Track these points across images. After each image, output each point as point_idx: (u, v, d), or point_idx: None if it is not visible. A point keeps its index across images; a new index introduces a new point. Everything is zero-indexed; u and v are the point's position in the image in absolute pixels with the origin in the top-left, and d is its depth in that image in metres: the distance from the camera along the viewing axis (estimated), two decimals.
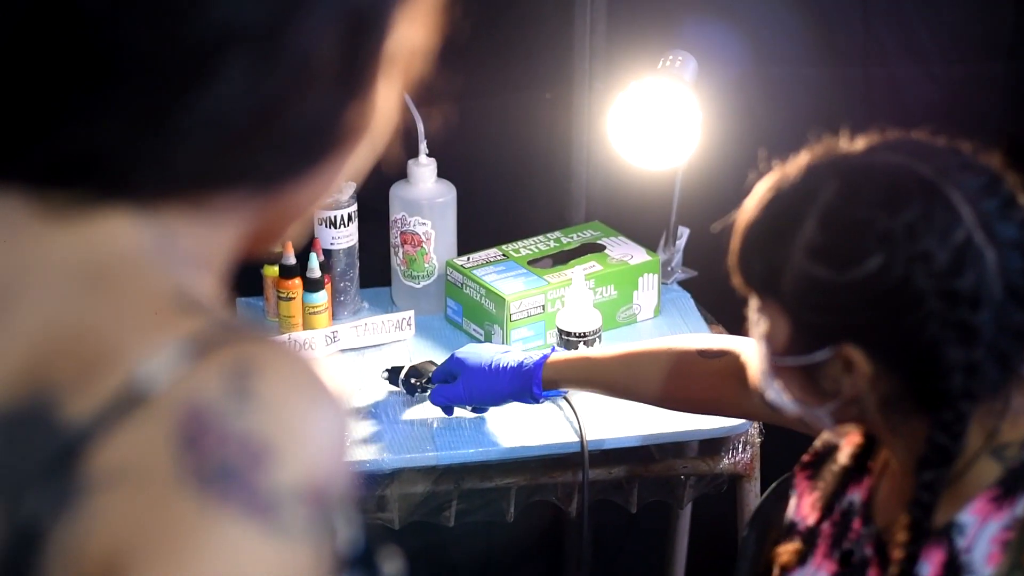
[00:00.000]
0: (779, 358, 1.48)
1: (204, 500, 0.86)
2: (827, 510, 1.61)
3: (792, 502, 1.66)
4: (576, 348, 2.36)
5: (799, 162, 1.46)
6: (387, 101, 1.01)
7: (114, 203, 0.95)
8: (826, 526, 1.61)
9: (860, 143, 1.47)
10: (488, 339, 2.50)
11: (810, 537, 1.62)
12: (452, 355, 2.23)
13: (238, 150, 0.95)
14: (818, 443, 1.66)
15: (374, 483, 2.28)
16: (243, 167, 0.96)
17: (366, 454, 2.25)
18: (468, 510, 2.35)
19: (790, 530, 1.65)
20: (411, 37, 1.01)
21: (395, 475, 2.28)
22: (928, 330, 1.40)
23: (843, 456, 1.62)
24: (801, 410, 1.50)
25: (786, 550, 1.63)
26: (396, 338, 2.52)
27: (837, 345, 1.43)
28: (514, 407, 2.35)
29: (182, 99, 0.93)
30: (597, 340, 2.38)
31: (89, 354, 0.91)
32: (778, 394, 1.51)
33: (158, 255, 0.95)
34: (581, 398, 2.38)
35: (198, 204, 0.96)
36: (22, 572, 0.90)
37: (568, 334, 2.38)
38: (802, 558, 1.62)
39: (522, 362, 2.13)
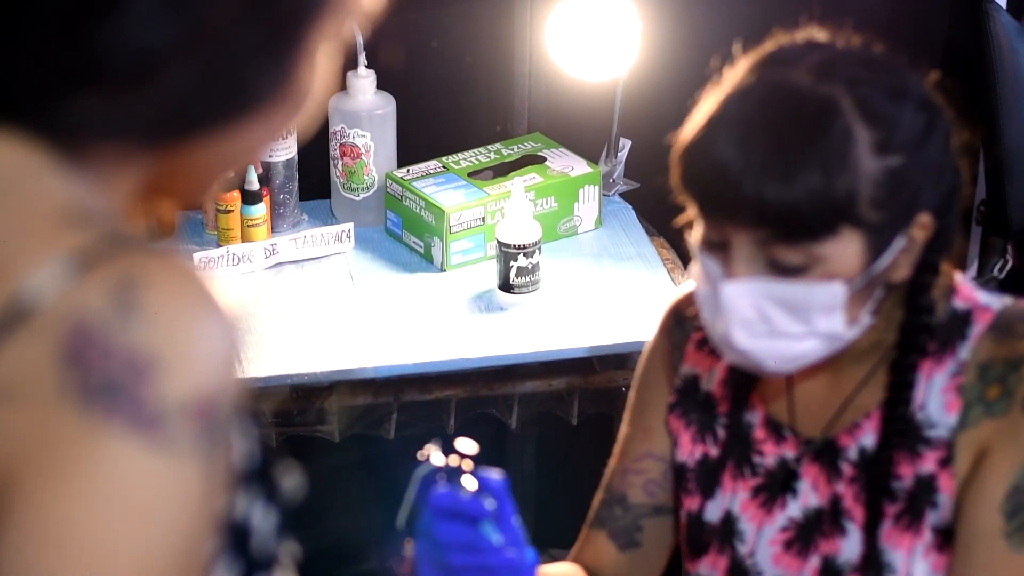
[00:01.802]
0: (854, 282, 1.43)
1: (89, 415, 0.85)
2: (711, 438, 1.62)
3: (675, 448, 1.65)
4: (516, 260, 2.35)
5: (783, 89, 1.42)
6: (311, 72, 0.98)
7: (9, 125, 0.93)
8: (715, 452, 1.61)
9: (787, 48, 1.46)
10: (428, 253, 2.49)
11: (706, 470, 1.62)
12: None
13: (123, 97, 0.92)
14: (677, 381, 1.65)
15: (312, 396, 2.28)
16: (126, 117, 0.93)
17: (304, 366, 2.24)
18: (408, 422, 2.35)
19: (682, 473, 1.64)
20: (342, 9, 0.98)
21: (333, 388, 2.27)
22: (952, 160, 1.47)
23: (711, 385, 1.63)
24: (856, 330, 1.47)
25: (688, 499, 1.63)
26: (336, 251, 2.51)
27: (911, 221, 1.44)
28: (453, 317, 2.35)
29: (81, 35, 0.90)
30: (536, 251, 2.37)
31: None
32: (846, 328, 1.45)
33: (48, 171, 0.92)
34: (520, 310, 2.38)
35: (84, 148, 0.93)
36: None
37: (508, 246, 2.37)
38: (708, 491, 1.62)
39: None
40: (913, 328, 1.50)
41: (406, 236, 2.54)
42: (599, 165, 2.62)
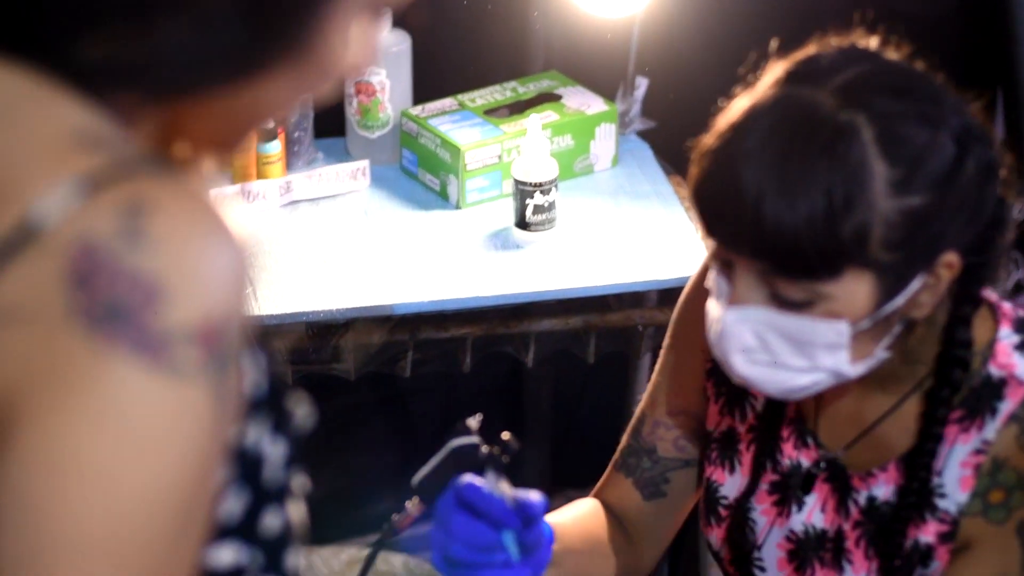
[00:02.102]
0: (861, 322, 1.37)
1: (94, 339, 0.84)
2: (740, 414, 1.59)
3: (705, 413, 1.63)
4: (532, 197, 2.34)
5: (802, 111, 1.33)
6: (340, 41, 0.96)
7: (23, 54, 0.92)
8: (742, 429, 1.58)
9: (818, 60, 1.37)
10: (444, 191, 2.48)
11: (730, 443, 1.59)
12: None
13: (126, 45, 0.92)
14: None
15: (328, 334, 2.27)
16: (130, 66, 0.92)
17: (319, 304, 2.24)
18: (424, 360, 2.35)
19: (707, 441, 1.61)
20: None
21: (349, 325, 2.27)
22: (992, 197, 1.38)
23: None
24: (863, 367, 1.41)
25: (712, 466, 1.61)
26: (351, 188, 2.50)
27: (934, 261, 1.36)
28: (469, 255, 2.34)
29: None
30: (553, 189, 2.36)
31: None
32: (852, 366, 1.39)
33: (62, 97, 0.91)
34: (536, 248, 2.37)
35: (97, 93, 0.92)
36: None
37: (524, 184, 2.36)
38: (730, 466, 1.59)
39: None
40: (949, 362, 1.43)
41: (421, 174, 2.53)
42: (615, 103, 2.60)
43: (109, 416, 0.83)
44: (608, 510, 1.67)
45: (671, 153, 2.61)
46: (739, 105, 1.37)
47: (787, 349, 1.38)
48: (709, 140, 1.37)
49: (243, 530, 0.96)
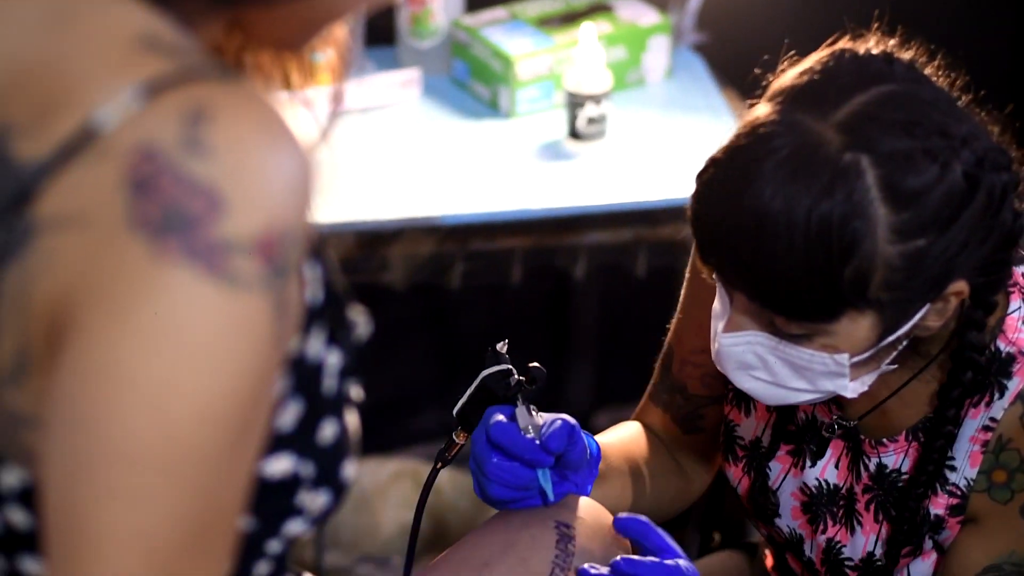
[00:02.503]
0: (861, 355, 1.33)
1: (152, 246, 0.82)
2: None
3: None
4: (584, 108, 2.32)
5: (803, 145, 1.26)
6: None
7: None
8: None
9: (825, 82, 1.30)
10: (494, 101, 2.46)
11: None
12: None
13: None
14: None
15: (377, 244, 2.26)
16: None
17: (368, 214, 2.22)
18: (472, 273, 2.34)
19: (724, 382, 1.57)
20: None
21: (398, 236, 2.25)
22: (1007, 220, 1.32)
23: None
24: (867, 384, 1.37)
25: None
26: (401, 98, 2.48)
27: (941, 292, 1.31)
28: (519, 166, 2.32)
29: None
30: (605, 101, 2.34)
31: (47, 93, 0.86)
32: (855, 389, 1.36)
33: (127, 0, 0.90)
34: (587, 160, 2.35)
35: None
36: None
37: (576, 94, 2.33)
38: (746, 409, 1.57)
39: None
40: (961, 364, 1.39)
41: (472, 84, 2.51)
42: (669, 15, 2.57)
43: (165, 326, 0.82)
44: (652, 433, 1.65)
45: (725, 67, 2.58)
46: (748, 120, 1.30)
47: (787, 372, 1.35)
48: (716, 155, 1.31)
49: (298, 441, 0.95)
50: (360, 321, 1.00)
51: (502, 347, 1.45)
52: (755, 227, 1.25)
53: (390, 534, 2.66)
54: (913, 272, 1.27)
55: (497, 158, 2.36)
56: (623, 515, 1.42)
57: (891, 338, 1.32)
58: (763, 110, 1.30)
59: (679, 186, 2.30)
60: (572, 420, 1.42)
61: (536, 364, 1.44)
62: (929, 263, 1.28)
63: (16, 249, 0.85)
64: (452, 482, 2.70)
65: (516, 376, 1.43)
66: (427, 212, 2.24)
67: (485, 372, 1.43)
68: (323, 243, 0.97)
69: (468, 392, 1.44)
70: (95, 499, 0.82)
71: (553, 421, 1.40)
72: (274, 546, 0.99)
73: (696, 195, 1.31)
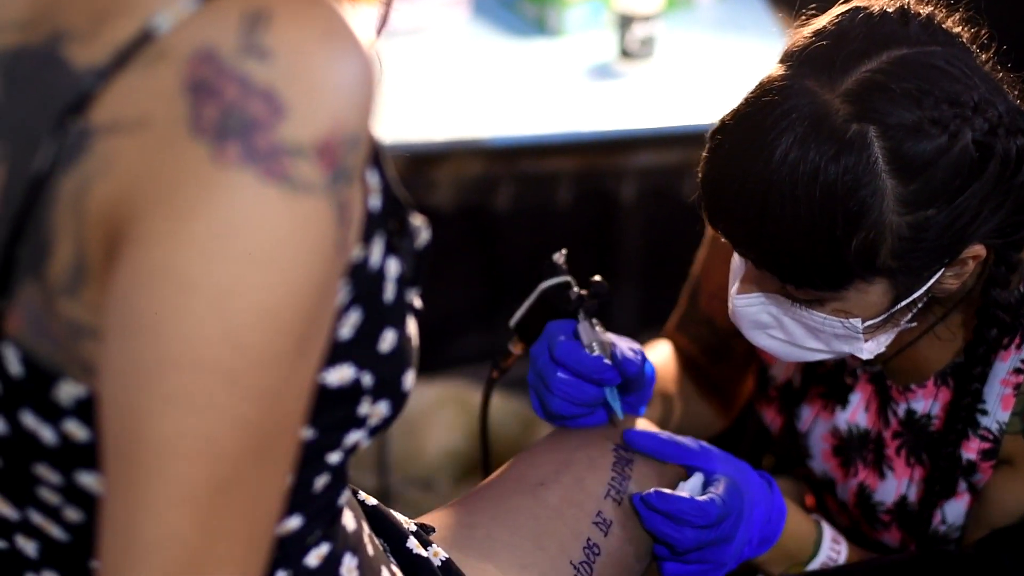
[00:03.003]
0: (874, 319, 1.32)
1: (211, 149, 0.81)
2: None
3: None
4: (633, 28, 2.30)
5: (809, 115, 1.23)
6: None
7: None
8: None
9: (835, 45, 1.26)
10: (543, 21, 2.44)
11: None
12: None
13: None
14: None
15: (424, 164, 2.25)
16: None
17: (416, 134, 2.21)
18: (519, 194, 2.32)
19: None
20: None
21: (446, 156, 2.24)
22: (1020, 178, 1.28)
23: None
24: (884, 344, 1.35)
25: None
26: (449, 19, 2.46)
27: (956, 256, 1.29)
28: (567, 86, 2.30)
29: None
30: (655, 21, 2.31)
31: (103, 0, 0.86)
32: (871, 350, 1.34)
33: None
34: (635, 81, 2.33)
35: None
36: (32, 221, 0.86)
37: (626, 14, 2.31)
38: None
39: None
40: (987, 321, 1.36)
41: (520, 4, 2.49)
42: None
43: (227, 230, 0.81)
44: (682, 358, 1.65)
45: None
46: (759, 83, 1.28)
47: (802, 332, 1.34)
48: (726, 119, 1.28)
49: (358, 350, 0.94)
50: (421, 229, 0.99)
51: (560, 258, 1.43)
52: (761, 196, 1.23)
53: (435, 457, 2.66)
54: (922, 241, 1.25)
55: (545, 78, 2.34)
56: (635, 429, 1.41)
57: (905, 302, 1.30)
58: (774, 72, 1.28)
59: (727, 109, 2.27)
60: (637, 345, 1.41)
61: (599, 278, 1.42)
62: (939, 232, 1.25)
63: (73, 153, 0.84)
64: (501, 407, 2.70)
65: (576, 289, 1.42)
66: (474, 133, 2.23)
67: (544, 284, 1.41)
68: (383, 151, 0.96)
69: (527, 304, 1.43)
70: (157, 406, 0.81)
71: (626, 347, 1.39)
72: (335, 458, 0.99)
73: (705, 160, 1.29)
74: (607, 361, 1.38)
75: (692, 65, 2.37)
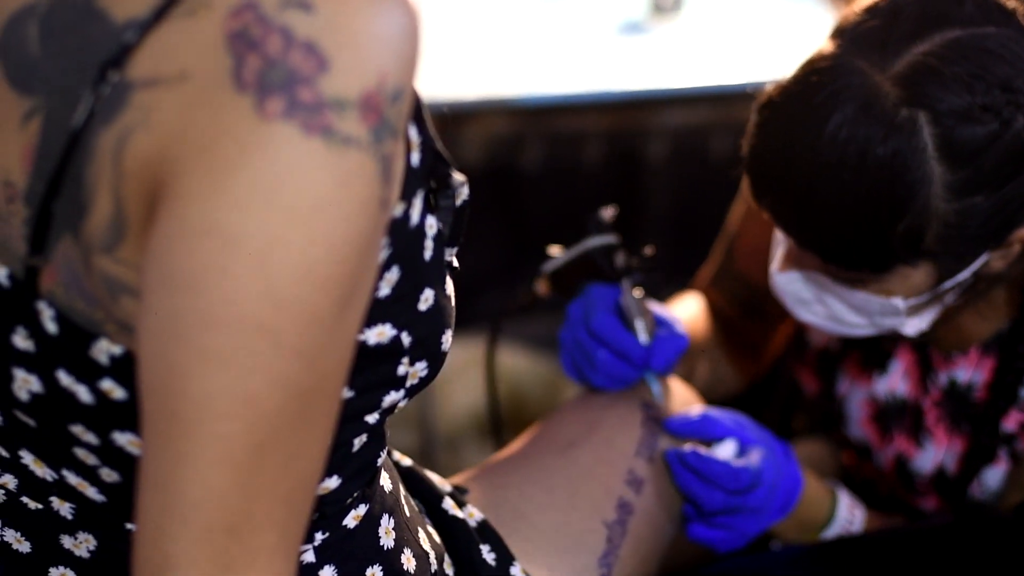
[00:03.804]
0: (918, 299, 1.30)
1: (254, 103, 0.79)
2: None
3: None
4: None
5: (859, 96, 1.20)
6: None
7: None
8: None
9: (887, 23, 1.23)
10: None
11: None
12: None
13: None
14: None
15: (453, 122, 2.24)
16: None
17: (444, 93, 2.20)
18: (547, 153, 2.31)
19: None
20: None
21: (474, 114, 2.23)
22: None
23: None
24: (928, 321, 1.34)
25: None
26: None
27: (1003, 241, 1.27)
28: (596, 43, 2.29)
29: None
30: None
31: None
32: (916, 327, 1.33)
33: None
34: (663, 38, 2.31)
35: None
36: (69, 176, 0.85)
37: None
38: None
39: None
40: None
41: None
42: None
43: (269, 184, 0.79)
44: (713, 313, 1.64)
45: None
46: (808, 59, 1.25)
47: (844, 308, 1.33)
48: (772, 95, 1.25)
49: (397, 309, 0.93)
50: (461, 187, 0.97)
51: (609, 214, 1.40)
52: (808, 177, 1.21)
53: (461, 418, 2.66)
54: (968, 228, 1.23)
55: (571, 35, 2.33)
56: (674, 417, 1.41)
57: (949, 284, 1.29)
58: (824, 49, 1.25)
59: (757, 69, 2.26)
60: (684, 333, 1.40)
61: (650, 250, 1.39)
62: (985, 218, 1.23)
63: (112, 107, 0.83)
64: (528, 368, 2.69)
65: (624, 255, 1.40)
66: (502, 92, 2.21)
67: (591, 243, 1.38)
68: (423, 106, 0.94)
69: (568, 255, 1.40)
70: (197, 363, 0.80)
71: (668, 337, 1.39)
72: (372, 418, 0.98)
73: (750, 137, 1.27)
74: (647, 341, 1.37)
75: (721, 24, 2.35)
